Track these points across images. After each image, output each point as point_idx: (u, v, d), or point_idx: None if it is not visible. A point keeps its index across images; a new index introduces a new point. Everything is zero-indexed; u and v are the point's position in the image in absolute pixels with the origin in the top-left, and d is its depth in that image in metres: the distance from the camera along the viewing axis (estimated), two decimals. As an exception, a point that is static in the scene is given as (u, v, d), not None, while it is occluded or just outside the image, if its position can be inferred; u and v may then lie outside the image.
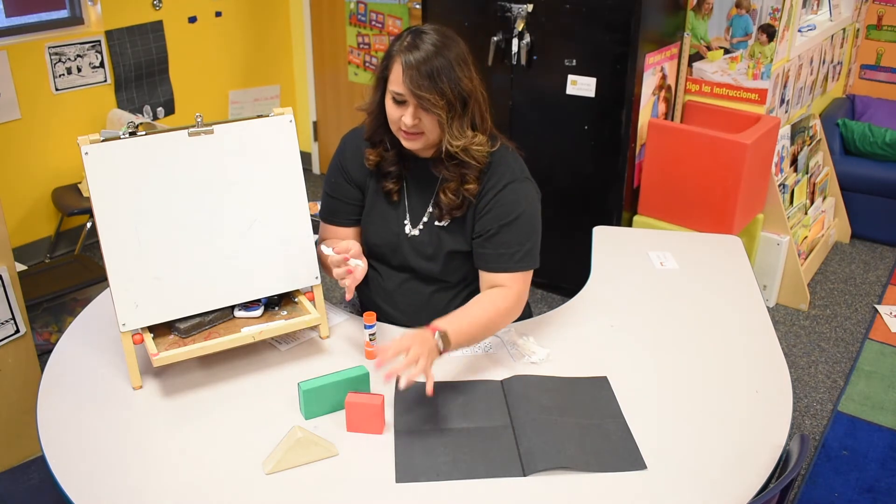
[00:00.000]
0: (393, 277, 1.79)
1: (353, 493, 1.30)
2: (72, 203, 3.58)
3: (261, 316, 1.65)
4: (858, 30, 4.47)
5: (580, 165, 3.16)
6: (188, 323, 1.57)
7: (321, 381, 1.47)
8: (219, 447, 1.40)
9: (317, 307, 1.68)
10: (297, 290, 1.70)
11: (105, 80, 3.77)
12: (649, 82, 3.06)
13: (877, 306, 3.43)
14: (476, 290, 1.79)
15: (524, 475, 1.33)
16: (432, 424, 1.45)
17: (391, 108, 1.61)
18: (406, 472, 1.34)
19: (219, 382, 1.57)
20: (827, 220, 3.91)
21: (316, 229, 2.03)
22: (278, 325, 1.61)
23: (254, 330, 1.58)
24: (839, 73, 4.32)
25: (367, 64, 4.38)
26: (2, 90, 3.40)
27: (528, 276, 1.71)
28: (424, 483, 1.32)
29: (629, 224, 3.23)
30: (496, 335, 1.73)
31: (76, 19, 3.68)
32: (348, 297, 1.61)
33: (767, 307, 2.52)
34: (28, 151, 3.59)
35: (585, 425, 1.45)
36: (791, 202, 3.51)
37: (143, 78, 3.93)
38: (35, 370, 2.34)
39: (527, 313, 1.93)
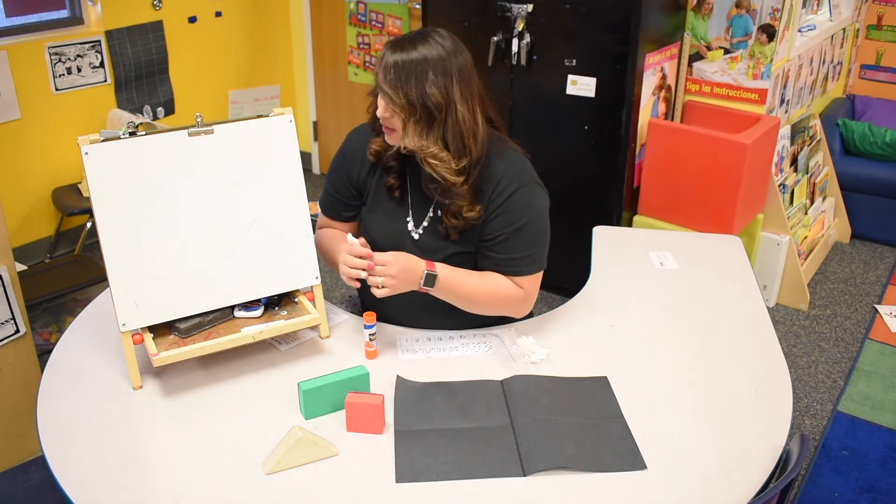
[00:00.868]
0: None
1: (353, 493, 1.30)
2: (72, 203, 3.58)
3: (261, 316, 1.65)
4: (858, 30, 4.47)
5: (580, 165, 3.16)
6: (188, 323, 1.57)
7: (321, 381, 1.47)
8: (219, 447, 1.40)
9: (317, 307, 1.68)
10: (297, 290, 1.70)
11: (105, 80, 3.77)
12: (649, 82, 3.06)
13: (877, 306, 3.43)
14: None
15: (524, 475, 1.33)
16: (432, 424, 1.45)
17: (378, 100, 1.64)
18: (406, 472, 1.34)
19: (219, 382, 1.57)
20: (827, 220, 3.91)
21: (316, 229, 2.04)
22: (278, 325, 1.61)
23: (254, 330, 1.58)
24: (839, 73, 4.32)
25: (367, 64, 4.38)
26: (2, 90, 3.40)
27: (537, 277, 1.74)
28: (424, 483, 1.32)
29: (629, 224, 3.23)
30: (496, 335, 1.73)
31: (76, 19, 3.68)
32: (356, 285, 1.63)
33: (767, 307, 2.52)
34: (28, 151, 3.59)
35: (585, 425, 1.45)
36: (791, 202, 3.51)
37: (143, 78, 3.93)
38: (35, 370, 2.34)
39: (527, 313, 1.93)
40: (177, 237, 1.55)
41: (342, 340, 1.72)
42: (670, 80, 3.23)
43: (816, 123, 3.88)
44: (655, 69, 3.08)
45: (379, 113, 1.62)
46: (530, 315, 1.94)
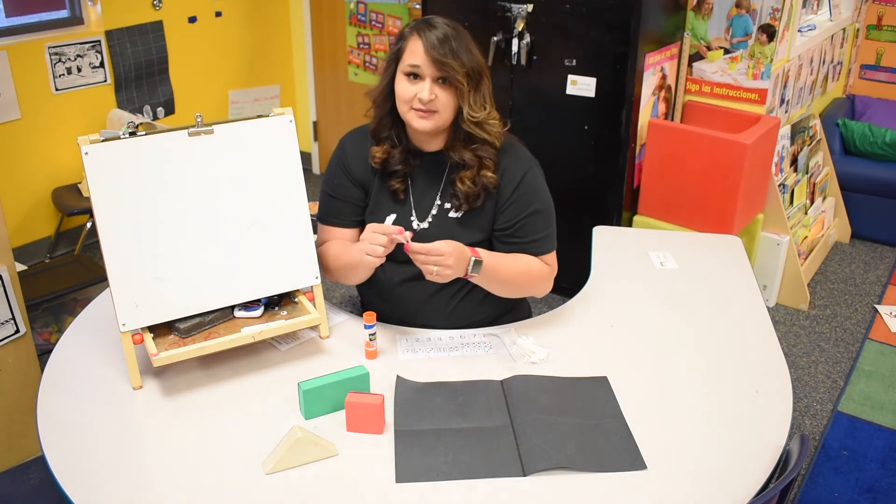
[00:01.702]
0: (397, 275, 1.79)
1: (353, 493, 1.30)
2: (72, 203, 3.58)
3: (261, 316, 1.65)
4: (858, 30, 4.47)
5: (580, 165, 3.16)
6: (188, 323, 1.57)
7: (321, 381, 1.47)
8: (219, 447, 1.40)
9: (317, 307, 1.68)
10: (297, 290, 1.70)
11: (105, 80, 3.77)
12: (649, 82, 3.06)
13: (877, 306, 3.43)
14: (477, 286, 1.79)
15: (524, 475, 1.33)
16: (432, 424, 1.45)
17: (405, 87, 1.64)
18: (406, 472, 1.34)
19: (219, 382, 1.57)
20: (827, 220, 3.91)
21: (316, 229, 2.04)
22: (278, 325, 1.61)
23: (254, 330, 1.58)
24: (839, 73, 4.32)
25: (367, 64, 4.38)
26: (2, 90, 3.40)
27: (555, 254, 1.80)
28: (424, 483, 1.32)
29: (629, 224, 3.23)
30: (496, 335, 1.73)
31: (76, 19, 3.68)
32: (377, 262, 1.62)
33: (767, 307, 2.51)
34: (28, 151, 3.59)
35: (585, 425, 1.45)
36: (791, 202, 3.51)
37: (143, 78, 3.93)
38: (35, 370, 2.34)
39: (527, 313, 1.93)
40: (176, 237, 1.55)
41: (342, 340, 1.72)
42: (670, 80, 3.23)
43: (816, 123, 3.88)
44: (655, 69, 3.08)
45: (423, 97, 1.61)
46: (530, 315, 1.94)
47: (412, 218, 1.76)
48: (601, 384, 1.58)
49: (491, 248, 1.78)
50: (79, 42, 3.63)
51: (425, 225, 1.76)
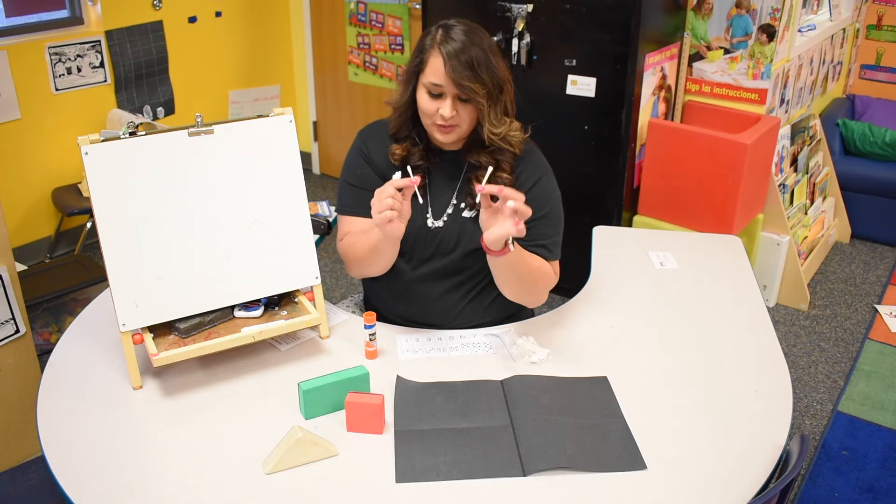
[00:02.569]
0: (408, 273, 1.79)
1: (353, 493, 1.30)
2: (72, 203, 3.58)
3: (261, 316, 1.65)
4: (858, 30, 4.47)
5: (580, 165, 3.16)
6: (188, 323, 1.57)
7: (321, 381, 1.47)
8: (219, 447, 1.40)
9: (317, 307, 1.68)
10: (297, 290, 1.70)
11: (105, 80, 3.77)
12: (649, 82, 3.06)
13: (877, 306, 3.43)
14: (486, 287, 1.79)
15: (524, 475, 1.33)
16: (432, 424, 1.45)
17: (426, 102, 1.64)
18: (406, 472, 1.34)
19: (219, 382, 1.57)
20: (827, 220, 3.91)
21: (316, 229, 2.03)
22: (278, 325, 1.61)
23: (254, 330, 1.58)
24: (839, 73, 4.32)
25: (367, 64, 4.38)
26: (2, 90, 3.40)
27: (558, 264, 1.80)
28: (424, 483, 1.32)
29: (629, 224, 3.23)
30: (496, 335, 1.73)
31: (76, 19, 3.68)
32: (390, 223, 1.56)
33: (767, 307, 2.52)
34: (28, 151, 3.59)
35: (585, 425, 1.45)
36: (791, 202, 3.51)
37: (143, 78, 3.93)
38: (35, 370, 2.34)
39: (527, 313, 1.93)
40: (177, 237, 1.55)
41: (342, 340, 1.72)
42: (670, 80, 3.23)
43: (816, 123, 3.88)
44: (655, 69, 3.08)
45: (445, 114, 1.61)
46: (531, 315, 1.94)
47: (428, 216, 1.76)
48: (601, 384, 1.58)
49: None
50: (79, 42, 3.63)
51: (440, 223, 1.76)
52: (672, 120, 3.31)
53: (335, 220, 2.34)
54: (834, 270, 3.77)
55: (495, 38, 3.14)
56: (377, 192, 1.57)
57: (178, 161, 1.54)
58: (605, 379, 1.59)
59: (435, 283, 1.78)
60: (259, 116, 1.63)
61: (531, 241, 1.73)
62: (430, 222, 1.76)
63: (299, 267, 1.67)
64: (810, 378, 2.93)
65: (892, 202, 3.90)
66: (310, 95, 4.71)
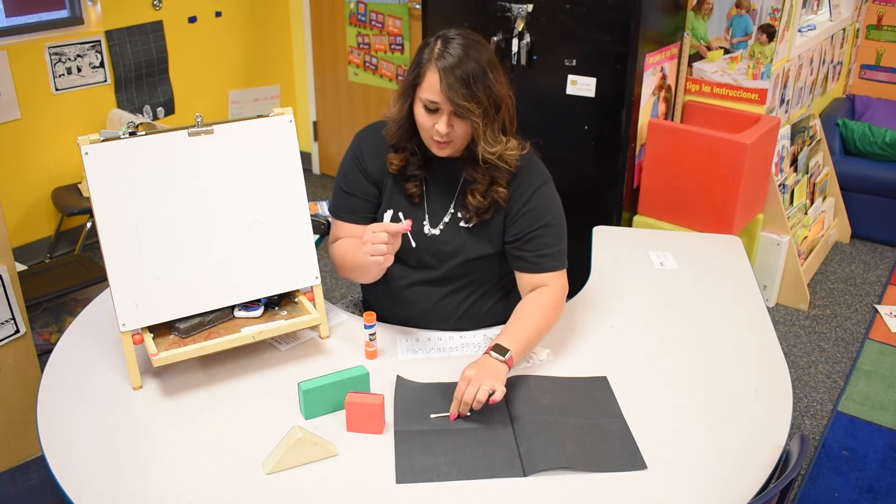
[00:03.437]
0: (406, 277, 1.79)
1: (353, 494, 1.30)
2: (72, 203, 3.58)
3: (261, 316, 1.65)
4: (858, 30, 4.47)
5: (580, 165, 3.16)
6: (188, 323, 1.57)
7: (321, 381, 1.47)
8: (219, 447, 1.40)
9: (317, 307, 1.68)
10: (297, 290, 1.70)
11: (105, 80, 3.77)
12: (649, 82, 3.06)
13: (877, 306, 3.43)
14: (486, 293, 1.79)
15: (524, 475, 1.33)
16: (432, 425, 1.45)
17: (423, 117, 1.62)
18: (406, 472, 1.34)
19: (219, 382, 1.57)
20: (827, 220, 3.91)
21: (316, 229, 2.03)
22: (278, 325, 1.61)
23: (254, 330, 1.58)
24: (839, 73, 4.32)
25: (367, 64, 4.38)
26: (2, 90, 3.40)
27: (565, 272, 1.77)
28: (424, 483, 1.32)
29: (629, 224, 3.23)
30: (494, 338, 1.72)
31: (76, 19, 3.68)
32: (382, 263, 1.58)
33: (767, 307, 2.51)
34: (28, 151, 3.59)
35: (585, 425, 1.45)
36: (791, 202, 3.51)
37: (143, 78, 3.93)
38: (35, 370, 2.34)
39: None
40: (177, 237, 1.55)
41: (342, 340, 1.72)
42: (670, 80, 3.23)
43: (816, 123, 3.88)
44: (655, 69, 3.08)
45: (441, 130, 1.59)
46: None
47: (424, 223, 1.76)
48: (601, 384, 1.58)
49: (502, 261, 1.78)
50: (79, 42, 3.63)
51: (436, 231, 1.75)
52: (672, 120, 3.31)
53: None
54: (834, 270, 3.77)
55: (495, 38, 3.14)
56: (370, 232, 1.57)
57: (178, 161, 1.54)
58: (605, 379, 1.59)
59: (432, 289, 1.78)
60: (259, 116, 1.63)
61: (535, 251, 1.72)
62: (426, 229, 1.76)
63: (299, 267, 1.67)
64: (810, 378, 2.93)
65: (892, 202, 3.90)
66: (310, 95, 4.71)
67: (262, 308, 1.66)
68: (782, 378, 1.60)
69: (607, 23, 2.91)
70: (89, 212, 3.41)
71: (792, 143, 3.55)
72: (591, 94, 3.02)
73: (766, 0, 2.98)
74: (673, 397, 1.55)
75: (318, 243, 1.98)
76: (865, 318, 3.34)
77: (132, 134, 1.51)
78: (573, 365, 1.64)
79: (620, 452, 1.39)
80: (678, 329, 1.79)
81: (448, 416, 1.46)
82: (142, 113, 3.94)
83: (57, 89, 3.61)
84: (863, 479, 2.41)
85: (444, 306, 1.78)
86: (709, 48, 3.18)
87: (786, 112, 3.50)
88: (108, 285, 1.53)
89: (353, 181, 1.79)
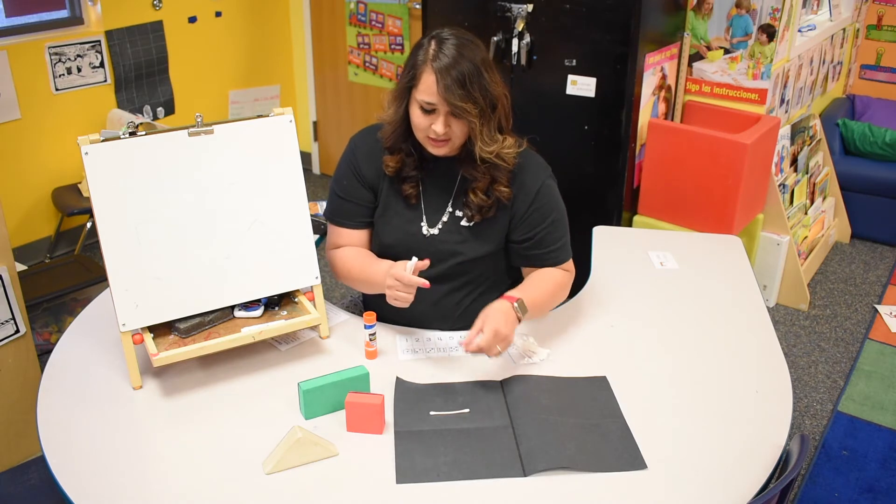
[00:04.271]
0: None
1: (353, 494, 1.30)
2: (72, 203, 3.58)
3: (261, 316, 1.65)
4: (858, 30, 4.47)
5: (580, 165, 3.16)
6: (188, 323, 1.57)
7: (321, 381, 1.47)
8: (219, 447, 1.40)
9: (317, 307, 1.68)
10: (297, 290, 1.70)
11: (105, 80, 3.77)
12: (649, 82, 3.06)
13: (877, 306, 3.43)
14: (486, 291, 1.79)
15: (524, 475, 1.33)
16: (432, 425, 1.45)
17: (419, 118, 1.63)
18: (406, 472, 1.34)
19: (219, 382, 1.57)
20: (827, 220, 3.91)
21: (316, 229, 2.03)
22: (278, 325, 1.61)
23: (254, 330, 1.58)
24: (839, 73, 4.32)
25: (367, 64, 4.38)
26: (2, 90, 3.40)
27: (571, 260, 1.83)
28: (424, 483, 1.32)
29: (629, 224, 3.23)
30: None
31: (76, 19, 3.68)
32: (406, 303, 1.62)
33: (767, 307, 2.51)
34: (28, 151, 3.59)
35: (585, 425, 1.45)
36: (791, 202, 3.51)
37: (143, 78, 3.93)
38: (35, 370, 2.34)
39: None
40: (177, 237, 1.55)
41: (342, 340, 1.72)
42: (670, 80, 3.23)
43: (816, 123, 3.88)
44: (655, 69, 3.08)
45: (439, 130, 1.60)
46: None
47: (422, 223, 1.76)
48: (601, 384, 1.58)
49: (502, 259, 1.79)
50: (79, 42, 3.63)
51: (435, 231, 1.75)
52: (672, 120, 3.31)
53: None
54: (834, 270, 3.77)
55: (495, 38, 3.14)
56: (393, 280, 1.59)
57: (178, 161, 1.54)
58: (604, 379, 1.59)
59: (434, 288, 1.78)
60: (259, 116, 1.63)
61: (544, 248, 1.75)
62: (424, 229, 1.76)
63: (299, 267, 1.67)
64: (810, 378, 2.93)
65: (892, 202, 3.90)
66: (310, 95, 4.71)
67: (262, 308, 1.66)
68: (782, 378, 1.60)
69: (607, 23, 2.91)
70: (89, 212, 3.41)
71: (792, 143, 3.55)
72: (591, 94, 3.02)
73: (766, 0, 2.98)
74: (673, 397, 1.55)
75: (317, 243, 1.98)
76: (865, 318, 3.34)
77: (132, 134, 1.51)
78: (573, 365, 1.64)
79: (620, 452, 1.39)
80: (678, 329, 1.79)
81: (448, 414, 1.46)
82: (142, 113, 3.94)
83: (57, 89, 3.61)
84: (863, 479, 2.41)
85: (445, 305, 1.78)
86: (709, 48, 3.18)
87: (786, 112, 3.50)
88: (108, 285, 1.53)
89: (348, 186, 1.80)
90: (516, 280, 1.83)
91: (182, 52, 4.05)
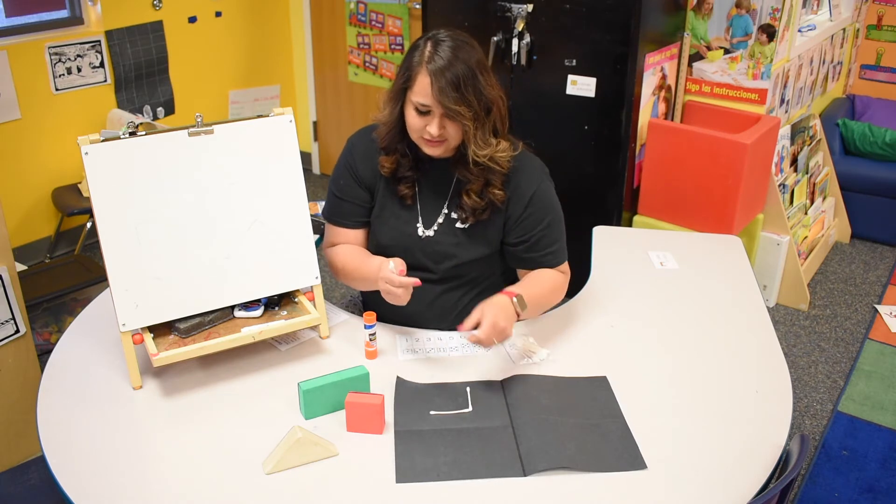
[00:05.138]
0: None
1: (353, 494, 1.30)
2: (72, 203, 3.58)
3: (261, 316, 1.65)
4: (858, 30, 4.47)
5: (580, 165, 3.16)
6: (188, 323, 1.57)
7: (321, 381, 1.47)
8: (219, 447, 1.40)
9: (317, 307, 1.68)
10: (297, 290, 1.70)
11: (105, 80, 3.77)
12: (649, 82, 3.06)
13: (877, 306, 3.43)
14: (483, 291, 1.79)
15: (524, 475, 1.33)
16: (432, 425, 1.45)
17: (414, 119, 1.63)
18: (406, 472, 1.34)
19: (219, 382, 1.57)
20: (827, 220, 3.91)
21: (316, 229, 2.03)
22: (278, 325, 1.61)
23: (254, 330, 1.58)
24: (839, 73, 4.32)
25: (367, 64, 4.38)
26: (2, 90, 3.40)
27: (566, 262, 1.82)
28: (424, 483, 1.32)
29: (629, 224, 3.23)
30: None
31: (76, 19, 3.68)
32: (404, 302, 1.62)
33: (767, 307, 2.52)
34: (28, 151, 3.59)
35: (585, 425, 1.45)
36: (791, 202, 3.51)
37: (143, 78, 3.93)
38: (35, 370, 2.34)
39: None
40: (177, 237, 1.55)
41: (342, 340, 1.72)
42: (670, 80, 3.23)
43: (816, 123, 3.88)
44: (655, 69, 3.08)
45: (433, 132, 1.60)
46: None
47: (418, 224, 1.76)
48: (601, 384, 1.58)
49: (498, 261, 1.80)
50: (79, 42, 3.63)
51: (430, 233, 1.76)
52: (672, 120, 3.31)
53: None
54: (834, 270, 3.77)
55: (495, 38, 3.14)
56: (383, 283, 1.60)
57: (178, 161, 1.54)
58: (604, 379, 1.59)
59: (430, 288, 1.78)
60: (259, 116, 1.63)
61: (540, 250, 1.75)
62: (420, 231, 1.76)
63: (299, 267, 1.67)
64: (810, 378, 2.93)
65: (892, 202, 3.90)
66: (310, 95, 4.71)
67: (262, 308, 1.66)
68: (782, 378, 1.60)
69: (607, 23, 2.91)
70: (89, 212, 3.41)
71: (792, 143, 3.55)
72: (591, 94, 3.02)
73: (766, 0, 2.98)
74: (673, 397, 1.55)
75: (317, 243, 1.98)
76: (865, 318, 3.34)
77: (132, 134, 1.51)
78: (573, 365, 1.64)
79: (620, 452, 1.39)
80: (678, 329, 1.79)
81: (448, 414, 1.46)
82: (142, 113, 3.94)
83: (57, 89, 3.61)
84: (863, 479, 2.41)
85: (441, 305, 1.78)
86: (709, 48, 3.18)
87: (786, 112, 3.50)
88: (108, 285, 1.53)
89: (344, 186, 1.81)
90: (512, 282, 1.82)
91: (182, 52, 4.05)
